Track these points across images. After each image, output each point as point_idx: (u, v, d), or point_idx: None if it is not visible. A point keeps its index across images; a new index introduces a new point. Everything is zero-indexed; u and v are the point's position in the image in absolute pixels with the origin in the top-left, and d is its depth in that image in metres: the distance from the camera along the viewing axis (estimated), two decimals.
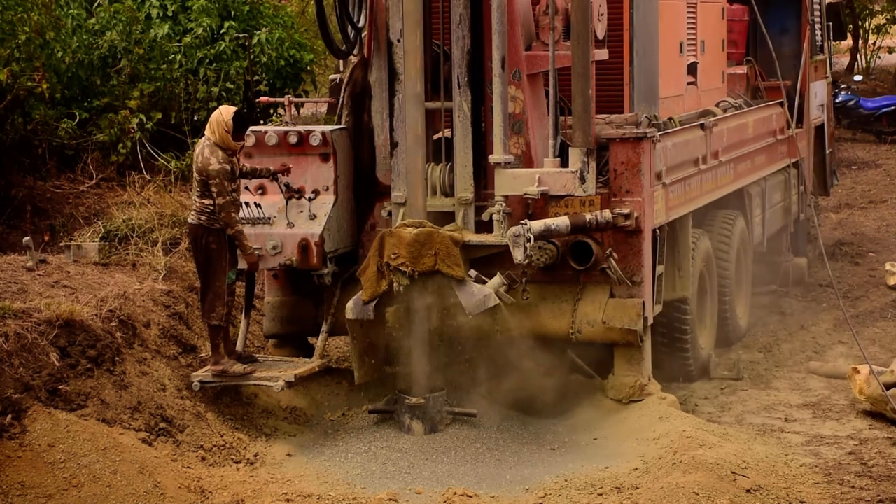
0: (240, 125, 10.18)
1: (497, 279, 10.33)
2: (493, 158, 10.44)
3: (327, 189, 10.91)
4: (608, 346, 10.77)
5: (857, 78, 29.20)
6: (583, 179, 10.22)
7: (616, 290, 10.59)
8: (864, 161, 24.52)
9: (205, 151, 10.09)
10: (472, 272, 10.39)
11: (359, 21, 11.50)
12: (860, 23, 31.23)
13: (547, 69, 10.59)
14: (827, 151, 17.47)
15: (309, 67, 17.01)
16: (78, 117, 14.76)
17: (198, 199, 10.15)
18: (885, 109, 26.34)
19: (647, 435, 10.01)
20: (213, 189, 10.02)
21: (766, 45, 14.66)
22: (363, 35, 11.30)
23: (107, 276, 11.34)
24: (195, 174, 10.18)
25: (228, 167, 10.07)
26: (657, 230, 10.86)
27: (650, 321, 10.78)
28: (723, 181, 12.86)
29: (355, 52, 11.35)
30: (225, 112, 10.14)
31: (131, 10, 15.29)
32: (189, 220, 10.31)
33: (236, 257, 10.31)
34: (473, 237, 10.58)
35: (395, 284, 10.18)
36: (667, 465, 9.27)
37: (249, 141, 10.89)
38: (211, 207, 10.08)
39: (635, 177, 10.51)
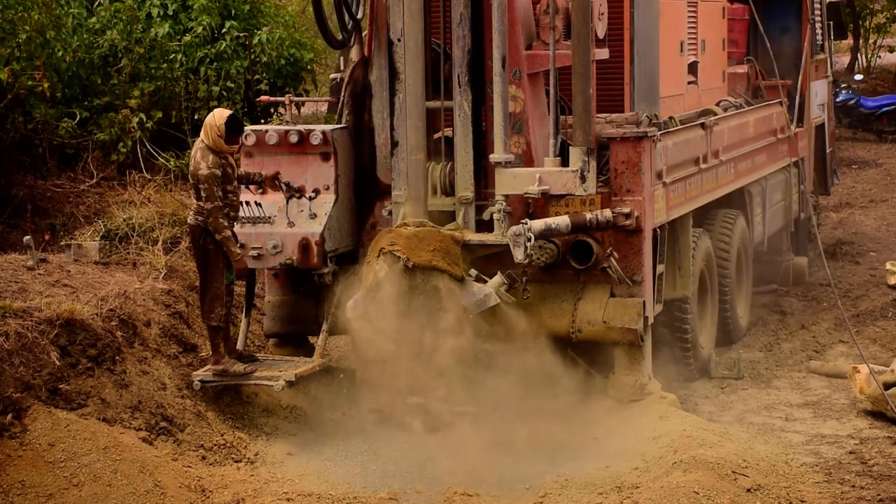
0: (233, 129, 10.15)
1: (497, 278, 10.32)
2: (493, 158, 10.44)
3: (328, 188, 10.91)
4: (609, 345, 10.77)
5: (858, 77, 29.17)
6: (583, 179, 10.21)
7: (616, 289, 10.59)
8: (864, 160, 24.50)
9: (197, 155, 10.09)
10: (473, 271, 10.38)
11: (357, 12, 11.50)
12: (861, 22, 31.20)
13: (547, 68, 10.59)
14: (827, 151, 17.48)
15: (309, 66, 17.01)
16: (78, 116, 14.75)
17: (196, 201, 10.15)
18: (885, 108, 26.34)
19: (647, 434, 10.00)
20: (202, 193, 10.02)
21: (766, 45, 14.67)
22: (361, 26, 11.29)
23: (107, 276, 11.34)
24: (189, 177, 10.19)
25: (219, 172, 10.04)
26: (657, 229, 10.85)
27: (651, 320, 10.77)
28: (723, 180, 12.85)
29: (351, 42, 11.35)
30: (218, 116, 10.11)
31: (132, 9, 15.28)
32: (189, 221, 10.32)
33: None
34: (474, 236, 10.57)
35: (378, 265, 10.09)
36: (667, 464, 9.26)
37: (250, 140, 10.89)
38: None
39: (636, 176, 10.50)
